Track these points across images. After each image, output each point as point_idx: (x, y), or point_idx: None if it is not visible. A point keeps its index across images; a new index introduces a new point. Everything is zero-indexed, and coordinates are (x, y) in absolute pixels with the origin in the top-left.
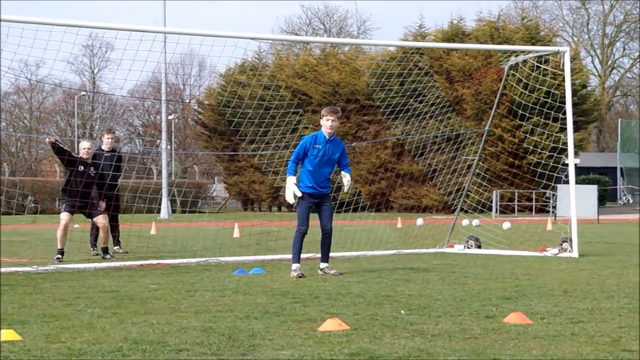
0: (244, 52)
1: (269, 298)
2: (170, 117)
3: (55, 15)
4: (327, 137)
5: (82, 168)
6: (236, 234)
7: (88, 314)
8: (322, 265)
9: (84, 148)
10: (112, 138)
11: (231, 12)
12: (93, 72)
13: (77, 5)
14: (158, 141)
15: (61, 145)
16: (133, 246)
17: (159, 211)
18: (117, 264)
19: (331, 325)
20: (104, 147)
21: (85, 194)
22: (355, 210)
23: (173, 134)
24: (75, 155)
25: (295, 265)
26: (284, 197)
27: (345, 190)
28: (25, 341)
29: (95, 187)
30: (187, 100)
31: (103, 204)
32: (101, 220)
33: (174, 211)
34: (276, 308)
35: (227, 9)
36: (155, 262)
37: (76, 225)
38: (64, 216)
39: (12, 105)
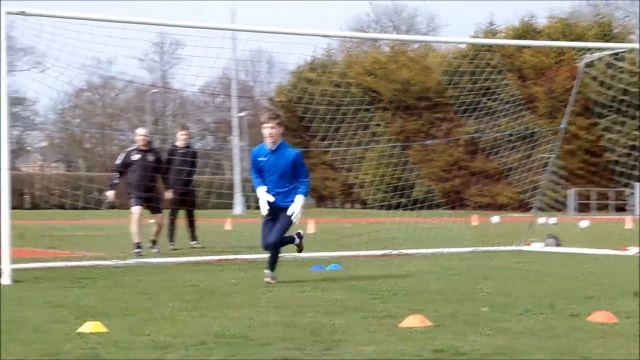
0: (314, 50)
1: (347, 294)
2: (241, 114)
3: (128, 13)
4: (270, 148)
5: (138, 157)
6: (311, 229)
7: (169, 308)
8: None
9: (139, 135)
10: (186, 135)
11: (301, 10)
12: (163, 69)
13: (148, 4)
14: (229, 138)
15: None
16: (210, 241)
17: (232, 207)
18: (196, 258)
19: (413, 321)
20: (178, 143)
21: (147, 181)
22: (429, 207)
23: (245, 130)
24: (130, 151)
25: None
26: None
27: (293, 220)
28: (112, 333)
29: (160, 178)
30: (258, 98)
31: (169, 194)
32: (158, 218)
33: (248, 207)
34: (356, 304)
35: (297, 8)
36: (232, 257)
37: (151, 221)
38: (135, 210)
39: (85, 102)
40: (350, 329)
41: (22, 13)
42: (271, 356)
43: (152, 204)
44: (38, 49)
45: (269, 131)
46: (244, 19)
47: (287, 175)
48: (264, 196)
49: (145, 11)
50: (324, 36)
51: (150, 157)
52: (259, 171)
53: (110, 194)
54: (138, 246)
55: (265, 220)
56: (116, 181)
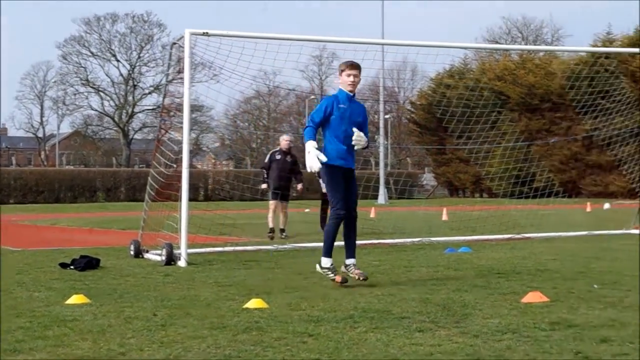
0: (452, 59)
1: (476, 273)
2: (386, 117)
3: (288, 31)
4: (349, 95)
5: (280, 157)
6: (444, 217)
7: (322, 286)
8: (349, 261)
9: (284, 140)
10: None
11: (441, 22)
12: (321, 78)
13: (307, 19)
14: (376, 137)
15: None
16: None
17: (376, 197)
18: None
19: (533, 297)
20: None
21: (282, 178)
22: (549, 196)
23: (389, 130)
24: (272, 156)
25: (327, 261)
26: (307, 167)
27: (356, 148)
28: (272, 309)
29: (292, 174)
30: (402, 102)
31: (300, 186)
32: (284, 206)
33: (390, 197)
34: (484, 282)
35: (436, 21)
36: (376, 241)
37: (307, 210)
38: (270, 203)
39: (253, 108)
40: (479, 304)
41: (205, 34)
42: (409, 328)
43: (285, 194)
44: (215, 64)
45: (353, 79)
46: (391, 33)
47: (357, 127)
48: (315, 151)
49: (306, 28)
50: (460, 47)
51: (289, 159)
52: (321, 124)
53: (264, 186)
54: (271, 230)
55: (340, 180)
56: (266, 176)
